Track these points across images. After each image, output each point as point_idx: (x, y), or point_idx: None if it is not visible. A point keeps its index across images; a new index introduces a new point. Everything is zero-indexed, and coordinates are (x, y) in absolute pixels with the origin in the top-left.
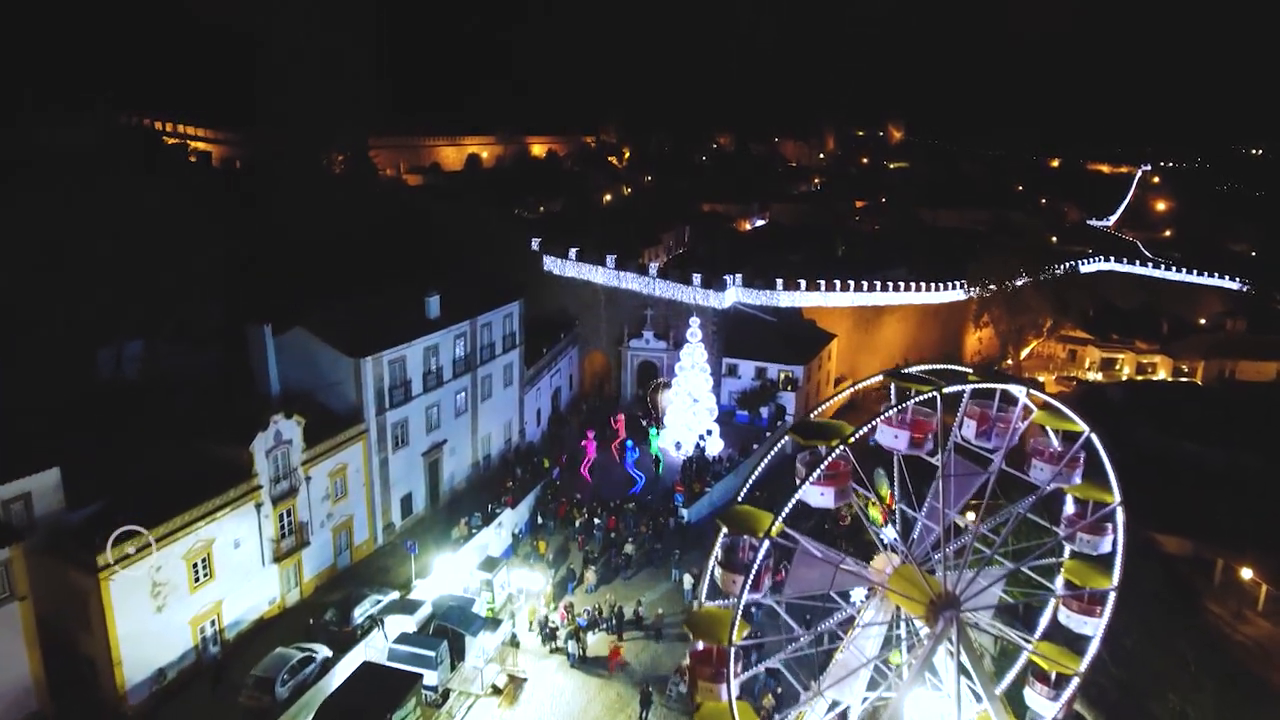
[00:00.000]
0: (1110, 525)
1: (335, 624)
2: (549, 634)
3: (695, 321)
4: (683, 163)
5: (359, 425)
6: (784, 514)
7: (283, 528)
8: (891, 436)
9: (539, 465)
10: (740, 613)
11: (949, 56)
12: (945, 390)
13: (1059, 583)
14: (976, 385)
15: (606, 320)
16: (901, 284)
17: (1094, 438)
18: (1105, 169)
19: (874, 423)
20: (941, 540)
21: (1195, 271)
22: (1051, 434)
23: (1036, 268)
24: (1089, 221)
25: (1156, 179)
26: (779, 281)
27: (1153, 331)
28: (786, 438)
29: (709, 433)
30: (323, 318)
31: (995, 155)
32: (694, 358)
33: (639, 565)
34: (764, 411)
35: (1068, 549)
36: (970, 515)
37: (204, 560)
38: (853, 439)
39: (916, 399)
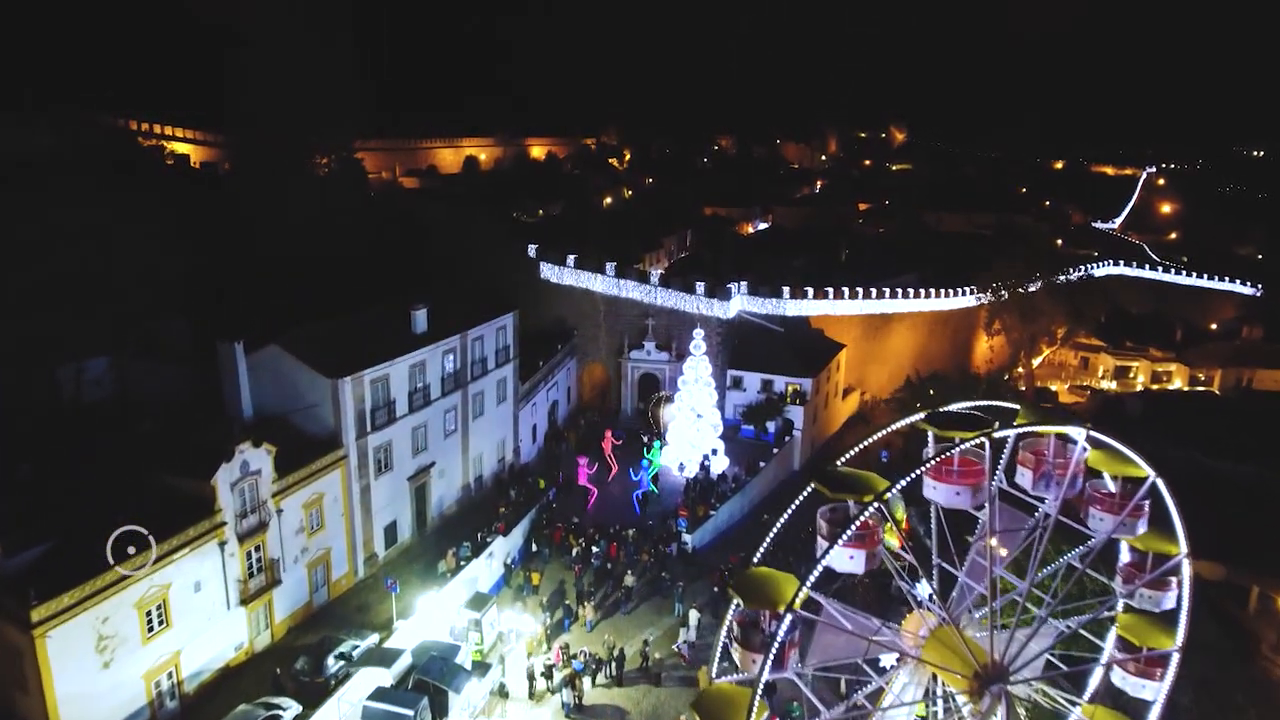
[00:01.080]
0: (1175, 579)
1: (306, 674)
2: (545, 673)
3: (699, 333)
4: (684, 165)
5: (337, 451)
6: (809, 583)
7: (251, 566)
8: (935, 489)
9: (534, 486)
10: (759, 692)
11: (950, 57)
12: (997, 435)
13: (1111, 639)
14: (1033, 428)
15: (606, 331)
16: (911, 291)
17: (1160, 483)
18: (1109, 170)
19: (917, 474)
20: (989, 602)
21: (1205, 275)
22: (1108, 477)
23: (1049, 273)
24: (1094, 224)
25: (1161, 181)
26: (785, 289)
27: (1166, 338)
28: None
29: (714, 452)
30: (299, 334)
31: (997, 157)
32: (698, 371)
33: (640, 597)
34: (770, 426)
35: (1121, 601)
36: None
37: (159, 607)
38: (888, 495)
39: (961, 446)
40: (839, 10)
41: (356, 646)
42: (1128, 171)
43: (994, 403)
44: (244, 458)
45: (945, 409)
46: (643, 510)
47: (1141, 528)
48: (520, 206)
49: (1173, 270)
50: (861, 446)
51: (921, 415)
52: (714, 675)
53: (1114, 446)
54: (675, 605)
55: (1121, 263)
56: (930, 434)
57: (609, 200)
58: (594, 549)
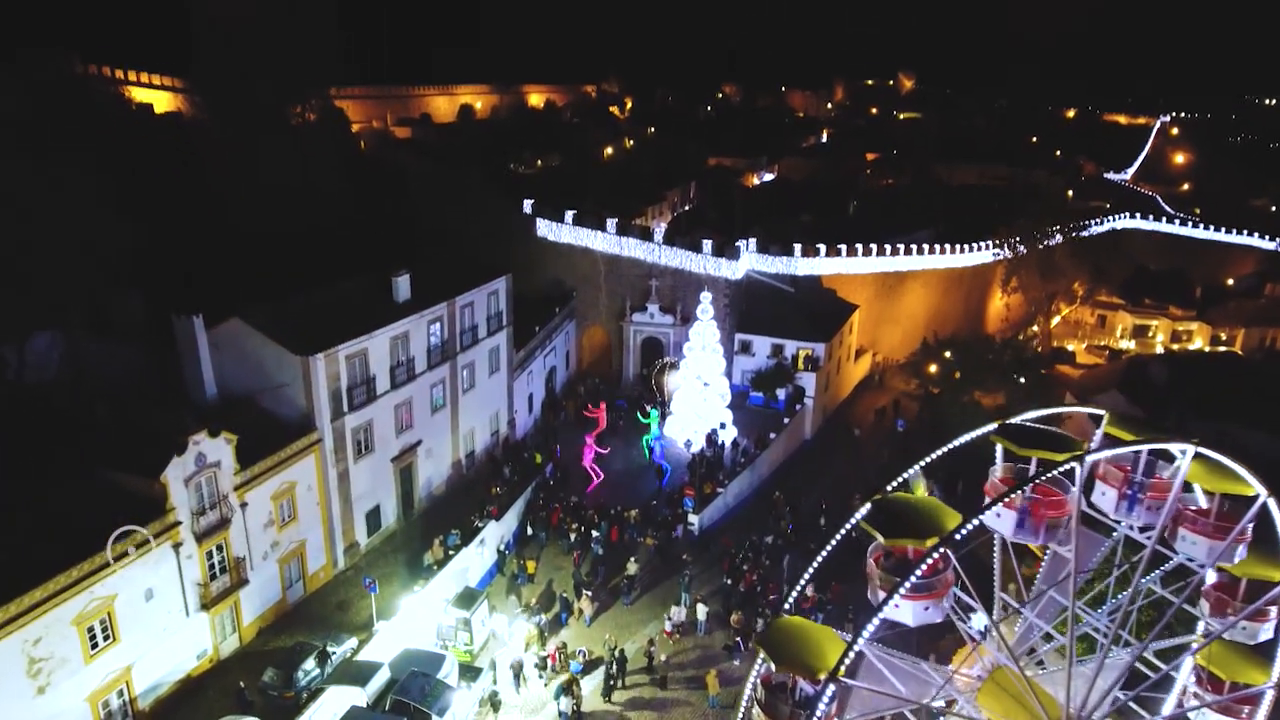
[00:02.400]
0: (1276, 609)
1: (275, 687)
2: (540, 664)
3: (706, 297)
4: (687, 115)
5: (310, 435)
6: (859, 645)
7: (212, 567)
8: (1000, 517)
9: (530, 461)
10: None
11: (959, 2)
12: (1091, 457)
13: (1186, 671)
14: (1133, 448)
15: (606, 293)
16: (926, 248)
17: (1271, 503)
18: (1122, 120)
19: (988, 507)
20: (1069, 644)
21: (1223, 229)
22: (1200, 492)
23: (1069, 229)
24: (1106, 175)
25: (1175, 130)
26: (797, 248)
27: (1185, 296)
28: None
29: (721, 425)
30: (267, 308)
31: (1008, 106)
32: (705, 337)
33: (643, 585)
34: (781, 394)
35: (1201, 625)
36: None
37: (103, 622)
38: (958, 534)
39: (1045, 475)
40: None
41: (334, 652)
42: (1141, 121)
43: (1073, 409)
44: (199, 450)
45: (1018, 421)
46: (660, 480)
47: (1242, 553)
48: (517, 158)
49: (1189, 223)
50: (916, 470)
51: (993, 427)
52: None
53: (1225, 464)
54: (681, 595)
55: (1138, 216)
56: (1000, 449)
57: (609, 151)
58: (594, 533)
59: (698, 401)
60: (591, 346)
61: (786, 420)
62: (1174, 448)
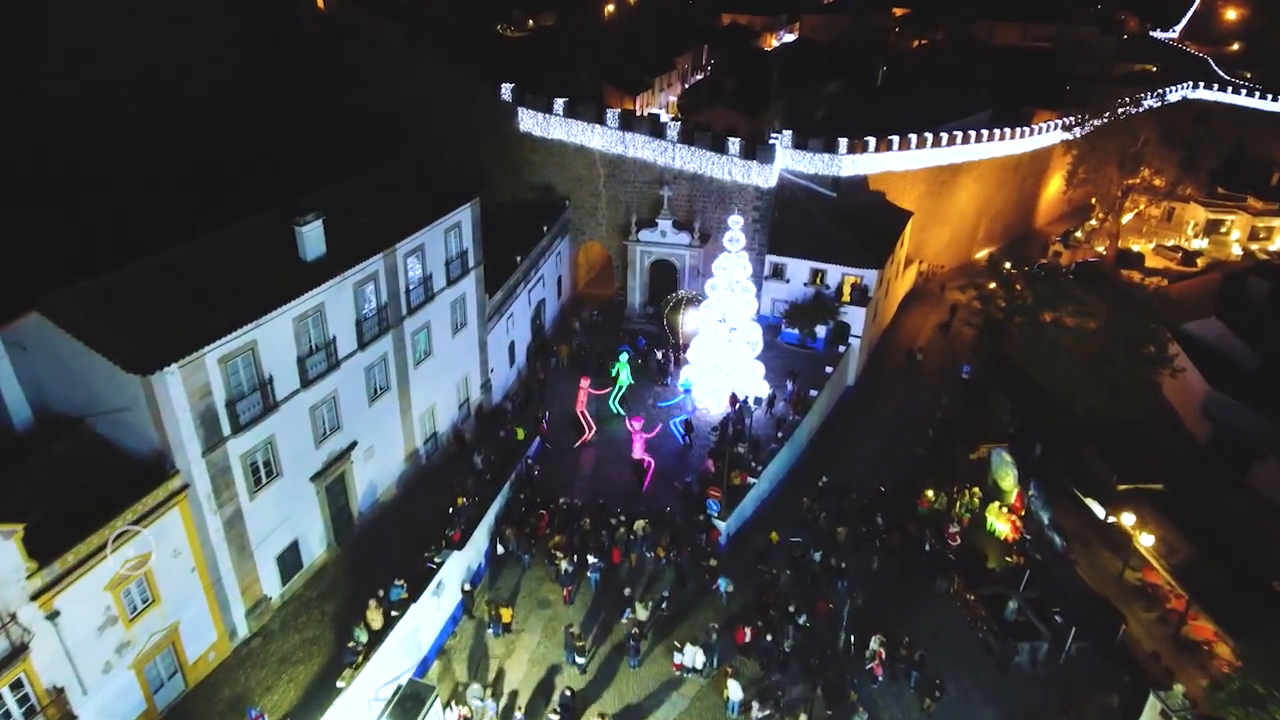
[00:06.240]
0: None
1: None
2: None
3: (736, 221)
4: None
5: (167, 483)
6: None
7: (6, 717)
8: None
9: (511, 437)
10: None
11: None
12: None
13: None
14: None
15: (607, 201)
16: (985, 132)
17: None
18: None
19: None
20: None
21: None
22: None
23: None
24: (1151, 33)
25: None
26: (842, 142)
27: (1261, 183)
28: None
29: (758, 402)
30: (85, 290)
31: None
32: (734, 271)
33: (655, 631)
34: (820, 331)
35: None
36: None
37: None
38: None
39: None
40: None
41: None
42: None
43: None
44: None
45: None
46: (687, 439)
47: None
48: (504, 17)
49: (1257, 93)
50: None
51: None
52: None
53: None
54: (707, 658)
55: (1201, 85)
56: None
57: (611, 8)
58: (591, 559)
59: (721, 353)
60: (589, 264)
61: (829, 370)
62: None
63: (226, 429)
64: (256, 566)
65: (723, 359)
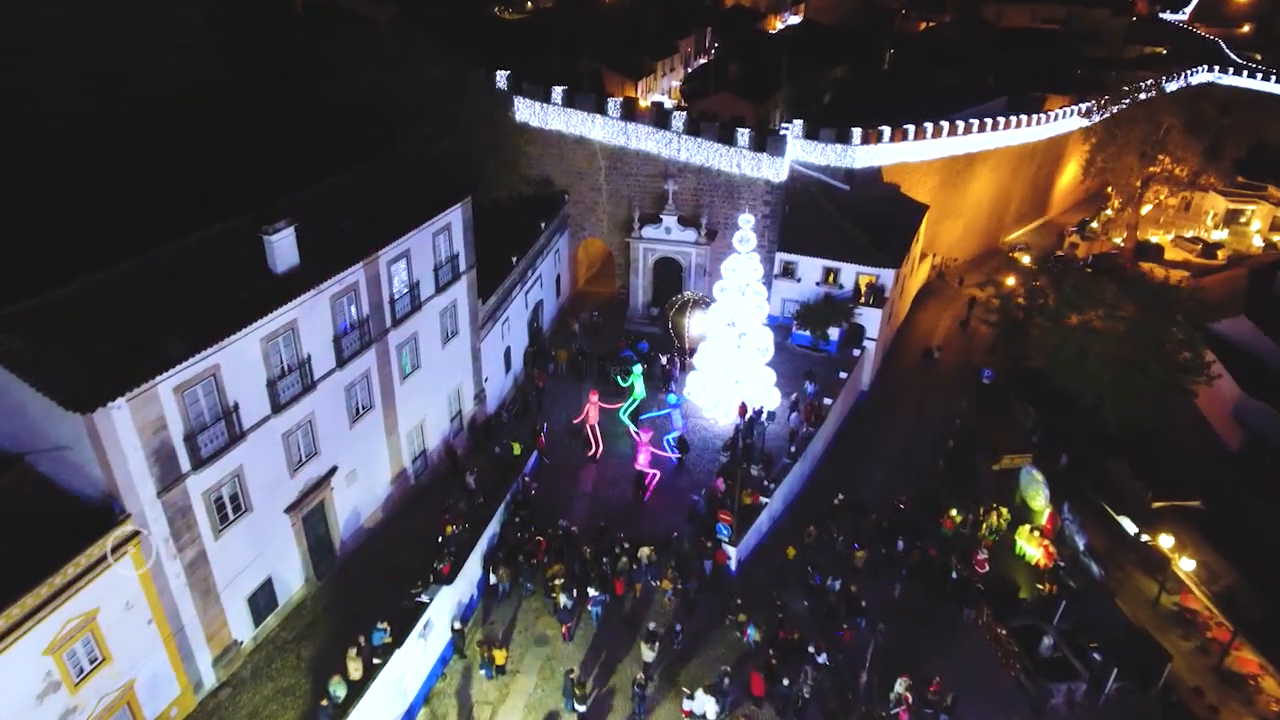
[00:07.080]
0: None
1: None
2: None
3: (746, 220)
4: None
5: (116, 530)
6: None
7: None
8: None
9: (507, 452)
10: None
11: None
12: None
13: None
14: None
15: (609, 195)
16: (1003, 120)
17: None
18: None
19: None
20: None
21: None
22: None
23: (1168, 93)
24: (1160, 15)
25: None
26: (856, 132)
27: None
28: None
29: (771, 416)
30: (20, 312)
31: None
32: (743, 274)
33: (661, 673)
34: (833, 333)
35: None
36: None
37: None
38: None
39: None
40: None
41: None
42: None
43: None
44: None
45: None
46: (682, 455)
47: None
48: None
49: (1273, 77)
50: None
51: None
52: None
53: None
54: (720, 707)
55: (1216, 69)
56: None
57: None
58: (592, 592)
59: (730, 360)
60: (589, 260)
61: (843, 375)
62: None
63: (186, 465)
64: (224, 610)
65: (731, 365)
